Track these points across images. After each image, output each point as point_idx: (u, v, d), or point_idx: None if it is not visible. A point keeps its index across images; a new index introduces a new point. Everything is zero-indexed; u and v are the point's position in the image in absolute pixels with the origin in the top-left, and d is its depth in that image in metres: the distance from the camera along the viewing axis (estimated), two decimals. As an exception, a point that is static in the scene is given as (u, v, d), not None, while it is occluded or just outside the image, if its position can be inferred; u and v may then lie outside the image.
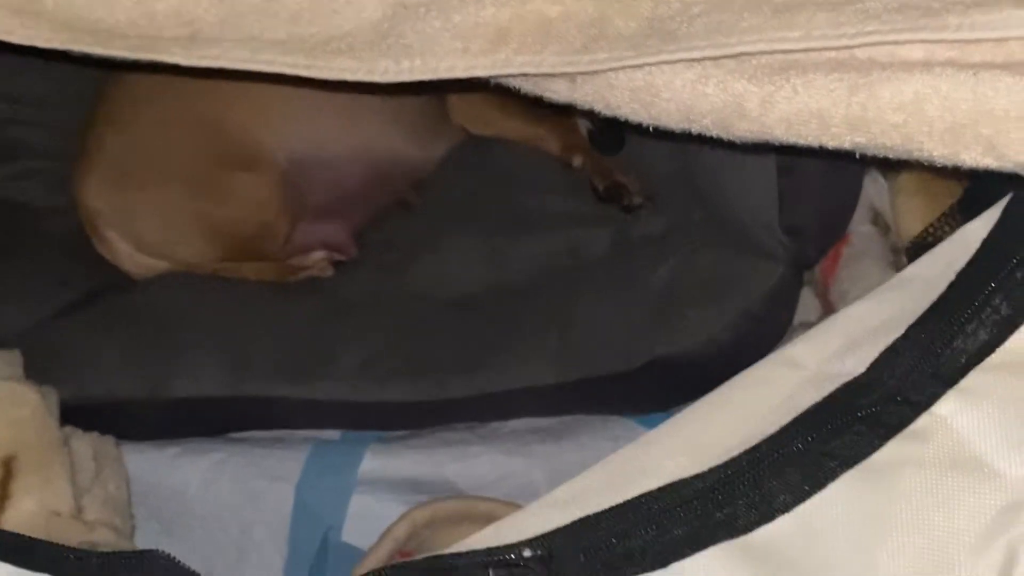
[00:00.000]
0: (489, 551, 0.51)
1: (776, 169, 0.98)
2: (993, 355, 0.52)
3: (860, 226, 1.06)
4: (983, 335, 0.52)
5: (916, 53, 0.55)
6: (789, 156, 0.91)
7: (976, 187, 0.75)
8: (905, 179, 0.98)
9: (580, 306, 1.15)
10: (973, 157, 0.54)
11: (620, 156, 1.27)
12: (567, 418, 1.13)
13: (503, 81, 0.66)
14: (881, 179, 1.03)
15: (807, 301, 1.13)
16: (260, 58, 0.64)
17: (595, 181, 1.26)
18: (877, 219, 1.05)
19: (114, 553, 0.54)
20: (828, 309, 1.09)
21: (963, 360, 0.52)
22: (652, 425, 1.07)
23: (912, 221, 0.95)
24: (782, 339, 1.06)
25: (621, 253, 1.19)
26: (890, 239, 1.04)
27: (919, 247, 0.89)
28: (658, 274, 1.12)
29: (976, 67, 0.54)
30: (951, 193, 0.89)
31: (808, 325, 1.09)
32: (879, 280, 1.03)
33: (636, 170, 1.24)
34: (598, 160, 1.27)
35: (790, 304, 1.07)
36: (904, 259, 0.98)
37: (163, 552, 0.56)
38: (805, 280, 1.11)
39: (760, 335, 1.03)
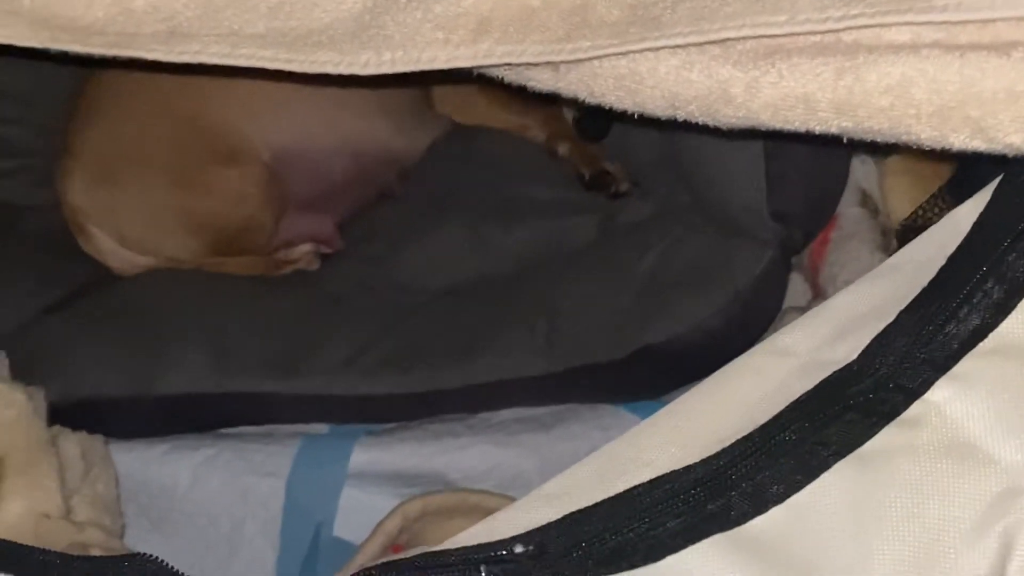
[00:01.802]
0: (480, 547, 0.50)
1: (763, 154, 0.97)
2: (986, 340, 0.51)
3: (848, 208, 1.06)
4: (975, 320, 0.52)
5: (903, 36, 0.55)
6: (775, 141, 0.91)
7: (965, 168, 0.75)
8: (894, 161, 0.98)
9: (568, 294, 1.14)
10: (962, 140, 0.54)
11: (605, 143, 1.27)
12: (557, 407, 1.13)
13: (486, 71, 0.65)
14: (870, 161, 1.03)
15: (796, 285, 1.13)
16: (240, 52, 0.64)
17: (581, 169, 1.26)
18: (866, 201, 1.05)
19: (100, 558, 0.53)
20: (818, 293, 1.09)
21: (955, 345, 0.51)
22: (642, 413, 1.08)
23: (901, 203, 0.95)
24: (772, 324, 1.06)
25: (608, 240, 1.19)
26: (879, 221, 1.04)
27: (909, 229, 0.88)
28: (645, 261, 1.12)
29: (963, 49, 0.53)
30: (940, 175, 0.89)
31: (798, 309, 1.08)
32: (868, 263, 1.03)
33: (622, 157, 1.24)
34: (584, 148, 1.27)
35: (779, 289, 1.06)
36: (894, 241, 0.97)
37: (150, 556, 0.55)
38: (794, 264, 1.11)
39: (749, 320, 1.03)
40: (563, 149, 1.28)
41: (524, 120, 1.30)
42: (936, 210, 0.82)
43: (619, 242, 1.18)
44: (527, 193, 1.27)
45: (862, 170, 1.03)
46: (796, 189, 0.98)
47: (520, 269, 1.21)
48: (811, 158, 0.97)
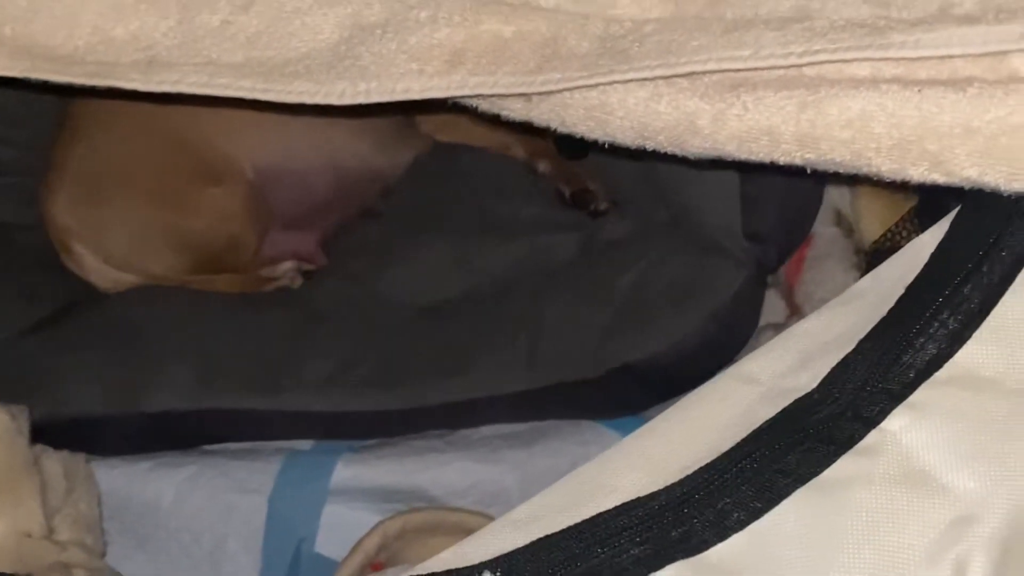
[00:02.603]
0: (449, 573, 0.51)
1: (739, 175, 0.98)
2: (941, 369, 0.52)
3: (824, 228, 1.07)
4: (932, 349, 0.53)
5: (863, 70, 0.56)
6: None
7: (931, 194, 0.76)
8: (867, 183, 0.99)
9: (549, 312, 1.15)
10: (920, 172, 0.55)
11: (586, 162, 1.28)
12: (538, 424, 1.14)
13: (460, 100, 0.66)
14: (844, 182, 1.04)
15: (774, 303, 1.14)
16: (217, 82, 0.65)
17: (561, 187, 1.27)
18: (840, 221, 1.06)
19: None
20: (794, 311, 1.10)
21: (912, 375, 0.52)
22: (623, 429, 1.09)
23: (873, 224, 0.96)
24: (748, 342, 1.07)
25: (588, 258, 1.20)
26: (854, 241, 1.05)
27: (879, 251, 0.90)
28: (625, 279, 1.13)
29: (921, 84, 0.54)
30: (911, 196, 0.90)
31: (776, 326, 1.10)
32: (843, 281, 1.04)
33: (602, 175, 1.25)
34: (564, 166, 1.28)
35: (754, 307, 1.07)
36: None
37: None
38: (771, 282, 1.12)
39: (726, 339, 1.04)
40: (544, 167, 1.29)
41: (505, 138, 1.31)
42: (905, 232, 0.83)
43: (599, 260, 1.19)
44: (508, 211, 1.28)
45: (837, 191, 1.05)
46: (771, 209, 1.00)
47: (501, 286, 1.22)
48: (786, 179, 0.98)
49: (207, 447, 1.16)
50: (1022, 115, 0.52)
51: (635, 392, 1.10)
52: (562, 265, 1.21)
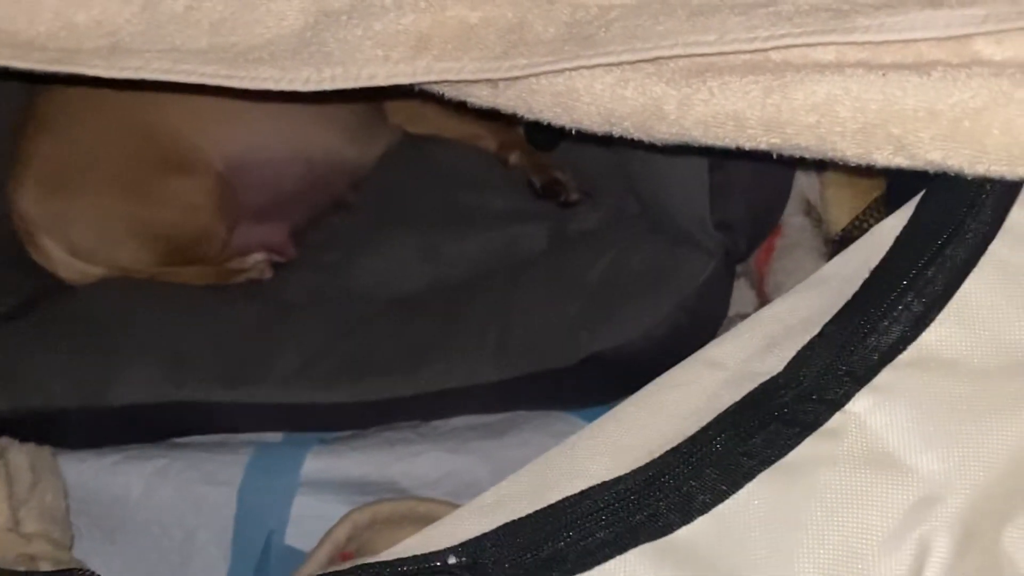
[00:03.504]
0: (415, 559, 0.51)
1: (708, 164, 0.98)
2: (905, 352, 0.53)
3: (793, 217, 1.07)
4: (896, 332, 0.53)
5: (828, 55, 0.56)
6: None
7: (898, 180, 0.76)
8: (834, 171, 0.99)
9: (519, 302, 1.15)
10: (885, 156, 0.55)
11: (556, 153, 1.28)
12: (509, 414, 1.14)
13: (427, 87, 0.66)
14: (812, 170, 1.04)
15: (744, 292, 1.14)
16: (181, 68, 0.64)
17: (532, 178, 1.27)
18: (810, 210, 1.06)
19: (32, 572, 0.54)
20: (764, 300, 1.10)
21: (876, 358, 0.52)
22: (593, 419, 1.09)
23: (841, 213, 0.96)
24: (717, 331, 1.07)
25: (559, 249, 1.20)
26: (823, 230, 1.05)
27: (846, 239, 0.90)
28: (595, 269, 1.13)
29: (886, 68, 0.55)
30: (878, 185, 0.90)
31: (745, 316, 1.10)
32: (813, 271, 1.04)
33: (572, 166, 1.25)
34: (535, 157, 1.28)
35: (723, 297, 1.08)
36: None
37: (90, 571, 0.56)
38: (741, 271, 1.12)
39: (695, 328, 1.04)
40: (514, 158, 1.29)
41: (476, 130, 1.31)
42: (872, 220, 0.84)
43: (569, 250, 1.19)
44: (479, 202, 1.28)
45: (806, 180, 1.05)
46: (740, 199, 1.00)
47: (472, 277, 1.21)
48: (755, 168, 0.98)
49: (176, 440, 1.16)
50: (984, 99, 0.52)
51: (605, 382, 1.09)
52: (533, 256, 1.21)
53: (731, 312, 1.11)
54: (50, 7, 0.65)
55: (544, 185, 1.26)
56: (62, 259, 1.25)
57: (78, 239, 1.25)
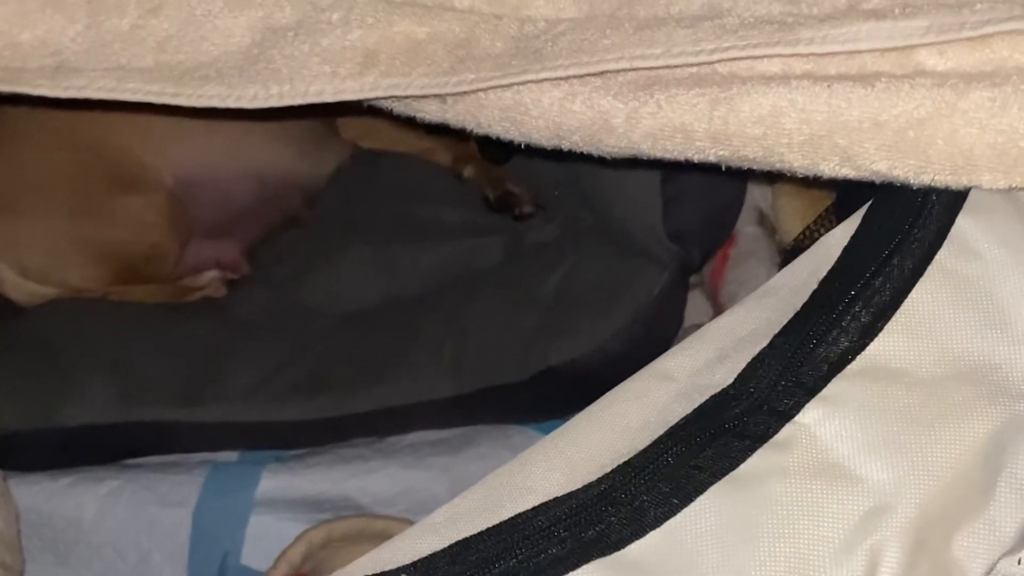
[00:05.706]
0: (366, 579, 0.51)
1: (660, 175, 0.99)
2: (854, 362, 0.53)
3: (746, 227, 1.07)
4: (844, 342, 0.53)
5: (774, 67, 0.57)
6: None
7: (847, 190, 0.77)
8: (785, 181, 1.00)
9: (475, 316, 1.15)
10: (831, 167, 0.56)
11: (510, 166, 1.28)
12: (466, 429, 1.13)
13: (375, 103, 0.66)
14: (765, 181, 1.05)
15: (699, 303, 1.14)
16: (126, 87, 0.64)
17: (486, 191, 1.27)
18: (763, 220, 1.07)
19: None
20: (719, 311, 1.10)
21: (825, 368, 0.53)
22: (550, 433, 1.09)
23: (793, 223, 0.97)
24: (672, 342, 1.07)
25: (514, 262, 1.20)
26: (776, 240, 1.06)
27: (797, 249, 0.90)
28: (550, 282, 1.13)
29: (831, 79, 0.55)
30: (829, 195, 0.90)
31: (700, 327, 1.10)
32: (767, 280, 1.05)
33: (526, 178, 1.25)
34: (488, 170, 1.28)
35: (677, 308, 1.08)
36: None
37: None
38: (695, 282, 1.12)
39: (650, 340, 1.04)
40: (468, 172, 1.29)
41: (429, 144, 1.31)
42: (823, 230, 0.83)
43: (524, 263, 1.19)
44: (433, 216, 1.28)
45: (759, 190, 1.05)
46: (692, 209, 1.00)
47: (427, 292, 1.21)
48: (707, 179, 0.98)
49: (129, 461, 1.14)
50: (928, 109, 0.53)
51: (561, 396, 1.09)
52: (487, 269, 1.21)
53: (687, 323, 1.11)
54: (-8, 27, 0.64)
55: (498, 198, 1.25)
56: (12, 280, 1.23)
57: (28, 260, 1.23)
